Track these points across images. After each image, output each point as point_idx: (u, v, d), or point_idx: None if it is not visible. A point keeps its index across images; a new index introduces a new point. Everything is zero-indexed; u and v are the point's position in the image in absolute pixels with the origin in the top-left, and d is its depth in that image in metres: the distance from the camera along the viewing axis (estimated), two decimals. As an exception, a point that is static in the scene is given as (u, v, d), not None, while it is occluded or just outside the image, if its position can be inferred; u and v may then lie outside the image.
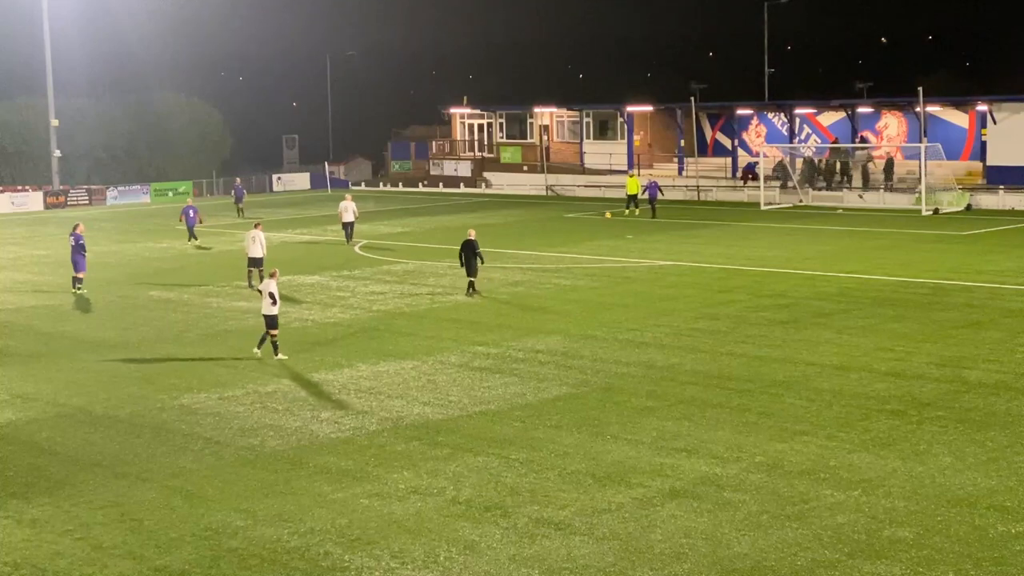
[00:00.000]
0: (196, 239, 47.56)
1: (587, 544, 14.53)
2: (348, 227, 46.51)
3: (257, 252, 35.29)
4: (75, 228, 36.49)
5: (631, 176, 59.84)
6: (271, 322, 25.22)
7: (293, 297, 33.41)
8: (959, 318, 28.09)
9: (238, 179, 65.82)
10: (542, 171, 73.23)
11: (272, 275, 25.70)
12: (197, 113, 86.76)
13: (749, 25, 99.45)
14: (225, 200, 70.42)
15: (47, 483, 17.32)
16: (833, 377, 22.53)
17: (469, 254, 33.00)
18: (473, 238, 33.08)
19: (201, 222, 48.28)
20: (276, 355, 25.15)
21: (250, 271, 35.66)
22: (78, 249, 35.66)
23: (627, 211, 56.87)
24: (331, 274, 36.42)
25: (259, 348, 25.53)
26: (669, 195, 60.08)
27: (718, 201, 63.61)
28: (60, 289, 36.23)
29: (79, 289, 35.27)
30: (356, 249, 44.76)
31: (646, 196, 55.92)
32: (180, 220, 48.35)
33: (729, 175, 68.11)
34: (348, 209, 46.59)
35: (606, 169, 72.03)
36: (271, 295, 25.06)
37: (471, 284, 33.09)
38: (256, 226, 36.56)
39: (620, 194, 65.19)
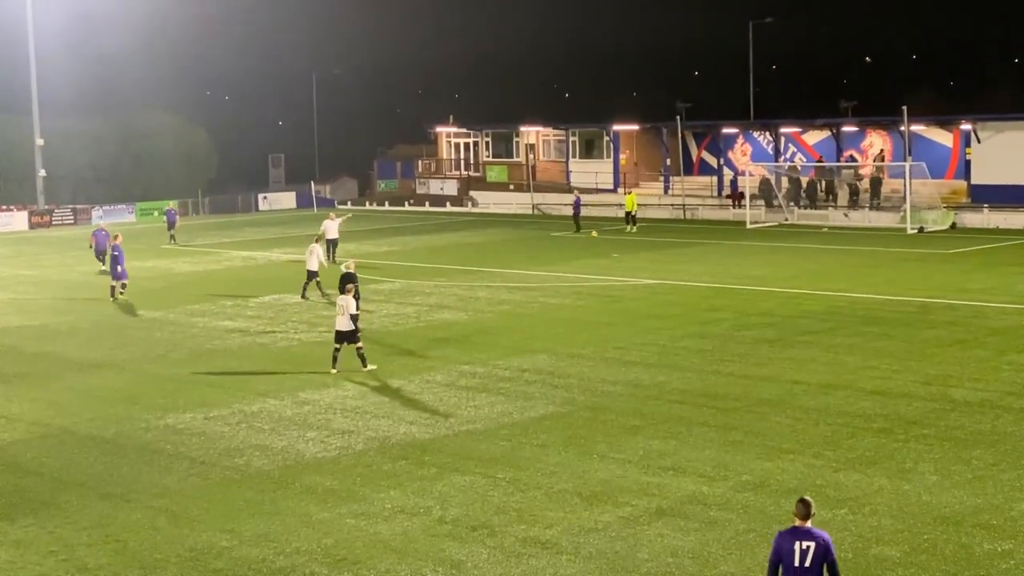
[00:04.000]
0: (104, 263, 44.83)
1: (574, 563, 14.50)
2: (330, 244, 46.64)
3: (313, 265, 36.36)
4: (115, 238, 38.33)
5: (629, 193, 60.06)
6: (348, 336, 25.35)
7: (279, 317, 33.46)
8: (944, 336, 28.15)
9: (171, 203, 65.50)
10: (528, 190, 73.32)
11: (348, 291, 26.03)
12: (183, 132, 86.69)
13: (734, 44, 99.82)
14: (208, 220, 70.41)
15: (31, 504, 17.23)
16: (819, 395, 22.55)
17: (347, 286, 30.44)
18: (352, 270, 30.57)
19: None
20: (364, 366, 25.38)
21: (306, 284, 36.67)
22: (118, 259, 37.31)
23: (627, 228, 57.17)
24: (317, 293, 36.38)
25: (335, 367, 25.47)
26: (655, 213, 60.10)
27: (704, 220, 63.73)
28: (45, 309, 36.15)
29: (119, 295, 37.12)
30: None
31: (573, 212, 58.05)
32: (90, 244, 46.42)
33: (715, 193, 68.26)
34: (329, 228, 46.88)
35: (592, 188, 72.14)
36: (343, 307, 25.27)
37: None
38: (316, 240, 37.77)
39: (605, 212, 65.28)
